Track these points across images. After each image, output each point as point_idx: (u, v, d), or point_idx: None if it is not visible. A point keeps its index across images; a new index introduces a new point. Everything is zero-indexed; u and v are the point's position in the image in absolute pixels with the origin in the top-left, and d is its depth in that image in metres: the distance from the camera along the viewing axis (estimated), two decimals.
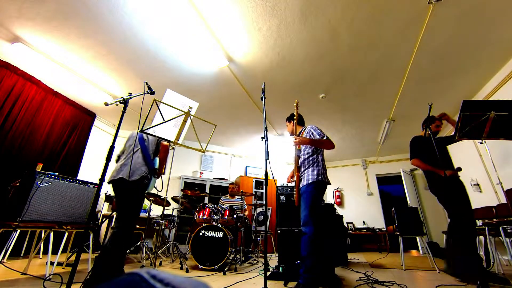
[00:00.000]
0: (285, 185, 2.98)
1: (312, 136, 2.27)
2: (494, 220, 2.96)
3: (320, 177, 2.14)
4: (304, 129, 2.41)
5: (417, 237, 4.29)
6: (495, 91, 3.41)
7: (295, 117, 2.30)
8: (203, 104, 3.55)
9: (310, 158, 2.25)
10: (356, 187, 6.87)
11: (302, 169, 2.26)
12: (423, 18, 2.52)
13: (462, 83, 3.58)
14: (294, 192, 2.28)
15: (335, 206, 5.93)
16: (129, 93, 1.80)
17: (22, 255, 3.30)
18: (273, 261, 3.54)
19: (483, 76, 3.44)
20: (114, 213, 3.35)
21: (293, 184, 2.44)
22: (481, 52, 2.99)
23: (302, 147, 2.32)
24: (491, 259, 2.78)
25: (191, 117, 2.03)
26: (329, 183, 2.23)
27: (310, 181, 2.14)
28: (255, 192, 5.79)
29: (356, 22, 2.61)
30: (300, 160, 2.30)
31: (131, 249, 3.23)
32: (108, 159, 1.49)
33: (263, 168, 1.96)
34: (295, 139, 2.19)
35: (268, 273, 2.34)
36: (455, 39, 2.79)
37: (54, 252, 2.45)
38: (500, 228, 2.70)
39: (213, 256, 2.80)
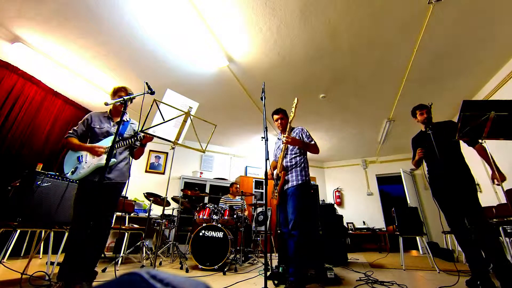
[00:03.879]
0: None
1: (301, 138, 2.30)
2: (494, 220, 2.97)
3: (307, 178, 2.22)
4: (293, 129, 2.41)
5: (417, 237, 4.29)
6: (495, 91, 3.41)
7: (292, 116, 2.25)
8: (203, 104, 3.54)
9: (298, 158, 2.27)
10: (356, 187, 6.87)
11: (289, 169, 2.26)
12: (423, 18, 2.52)
13: (462, 83, 3.58)
14: (276, 191, 2.28)
15: (335, 206, 5.93)
16: (129, 93, 1.79)
17: (22, 255, 3.30)
18: (273, 261, 3.54)
19: (483, 76, 3.44)
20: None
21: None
22: (481, 52, 2.99)
23: (289, 147, 2.32)
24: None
25: (191, 117, 2.03)
26: None
27: (300, 182, 2.16)
28: (255, 192, 5.79)
29: (356, 22, 2.61)
30: (286, 160, 2.30)
31: (131, 249, 3.23)
32: (108, 159, 1.49)
33: (263, 168, 1.96)
34: (288, 138, 2.16)
35: (268, 273, 2.34)
36: (455, 39, 2.79)
37: (54, 252, 2.46)
38: (500, 228, 2.70)
39: (213, 256, 2.80)
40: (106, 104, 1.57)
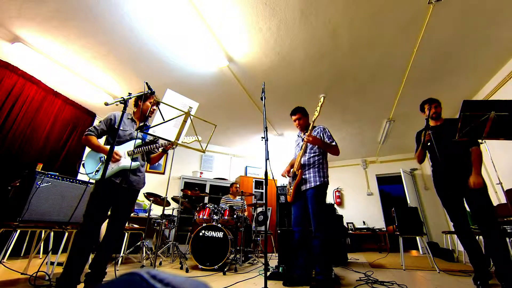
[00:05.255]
0: (285, 185, 2.98)
1: (322, 138, 2.29)
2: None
3: (326, 179, 2.20)
4: (314, 128, 2.38)
5: (417, 237, 4.29)
6: (495, 91, 3.41)
7: (317, 115, 2.23)
8: (203, 104, 3.55)
9: (316, 158, 2.26)
10: (356, 187, 6.87)
11: (307, 168, 2.26)
12: (423, 18, 2.52)
13: (462, 83, 3.58)
14: (291, 188, 2.28)
15: (335, 206, 5.93)
16: (129, 93, 1.79)
17: (22, 255, 3.30)
18: (273, 261, 3.54)
19: (483, 76, 3.44)
20: None
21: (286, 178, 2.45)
22: (481, 52, 2.99)
23: (309, 146, 2.32)
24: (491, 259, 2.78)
25: (191, 117, 2.03)
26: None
27: (318, 183, 2.16)
28: (255, 192, 5.79)
29: (356, 22, 2.61)
30: (304, 158, 2.29)
31: (131, 249, 3.23)
32: (108, 159, 1.49)
33: (263, 168, 1.96)
34: (309, 137, 2.16)
35: (268, 273, 2.34)
36: (455, 39, 2.79)
37: (54, 252, 2.45)
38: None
39: (213, 256, 2.80)
40: (106, 104, 1.57)
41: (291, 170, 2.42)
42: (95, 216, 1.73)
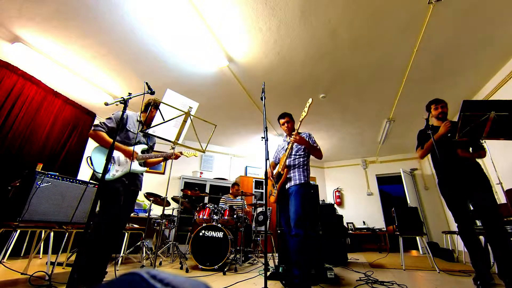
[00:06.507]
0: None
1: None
2: None
3: (308, 179, 2.25)
4: (300, 134, 2.42)
5: (417, 237, 4.29)
6: (495, 91, 3.41)
7: (305, 115, 2.22)
8: (203, 104, 3.54)
9: (301, 159, 2.31)
10: (356, 187, 6.87)
11: (291, 168, 2.29)
12: (423, 18, 2.52)
13: (462, 83, 3.58)
14: (275, 189, 2.30)
15: (335, 206, 5.93)
16: (129, 93, 1.79)
17: (22, 255, 3.30)
18: (274, 261, 3.54)
19: (483, 76, 3.44)
20: None
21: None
22: (481, 52, 2.99)
23: (295, 148, 2.34)
24: (491, 259, 2.78)
25: (191, 117, 2.03)
26: None
27: (302, 181, 2.19)
28: (255, 192, 5.79)
29: (356, 22, 2.61)
30: (289, 159, 2.32)
31: (131, 249, 3.23)
32: (108, 159, 1.49)
33: (263, 168, 1.97)
34: (296, 135, 2.18)
35: (268, 273, 2.34)
36: (455, 39, 2.79)
37: (54, 252, 2.45)
38: None
39: (213, 256, 2.80)
40: (106, 104, 1.57)
41: (275, 172, 2.44)
42: (110, 216, 1.76)
